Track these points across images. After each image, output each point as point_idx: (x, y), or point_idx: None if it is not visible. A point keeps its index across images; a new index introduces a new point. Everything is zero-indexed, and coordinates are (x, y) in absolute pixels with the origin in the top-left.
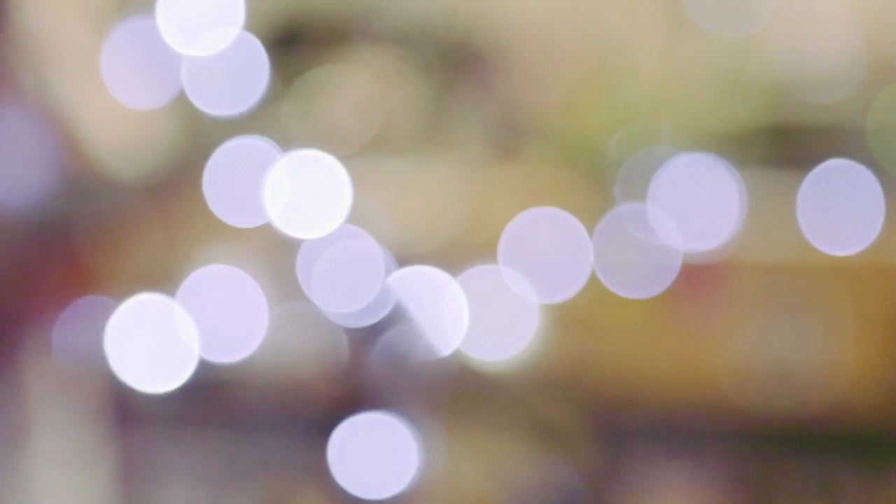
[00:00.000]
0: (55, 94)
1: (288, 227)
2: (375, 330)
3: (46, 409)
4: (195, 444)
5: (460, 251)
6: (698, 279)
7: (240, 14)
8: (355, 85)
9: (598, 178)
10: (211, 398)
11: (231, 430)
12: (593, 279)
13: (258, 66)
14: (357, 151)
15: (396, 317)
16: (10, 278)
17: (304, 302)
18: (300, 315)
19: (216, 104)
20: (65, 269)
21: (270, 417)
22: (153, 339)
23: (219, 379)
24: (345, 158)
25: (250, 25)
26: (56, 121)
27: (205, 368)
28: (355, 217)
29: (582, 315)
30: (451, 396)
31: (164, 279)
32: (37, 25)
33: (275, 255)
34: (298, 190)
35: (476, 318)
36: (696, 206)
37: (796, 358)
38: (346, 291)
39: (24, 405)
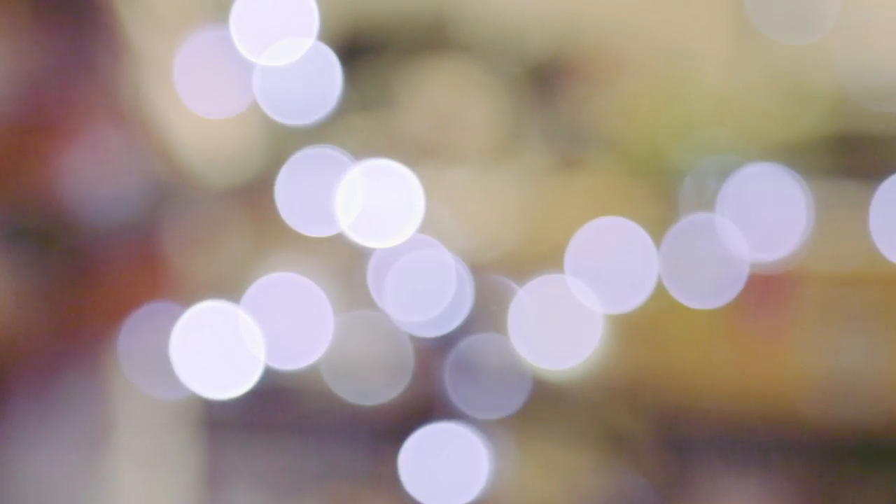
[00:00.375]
0: (146, 103)
1: (360, 237)
2: (447, 340)
3: (128, 411)
4: (260, 450)
5: (526, 260)
6: (765, 289)
7: (314, 24)
8: (428, 94)
9: (662, 188)
10: (276, 405)
11: (296, 437)
12: (659, 289)
13: (331, 76)
14: (425, 160)
15: (468, 326)
16: (93, 281)
17: (375, 311)
18: (370, 324)
19: (290, 114)
20: (145, 274)
21: (335, 424)
22: (220, 346)
23: (284, 385)
24: (413, 167)
25: (324, 35)
26: (145, 128)
27: (270, 375)
28: (425, 226)
29: (648, 325)
30: (520, 406)
31: (233, 286)
32: (134, 37)
33: (346, 264)
34: (370, 199)
35: (542, 327)
36: (762, 216)
37: (864, 369)
38: (417, 301)
39: (106, 407)
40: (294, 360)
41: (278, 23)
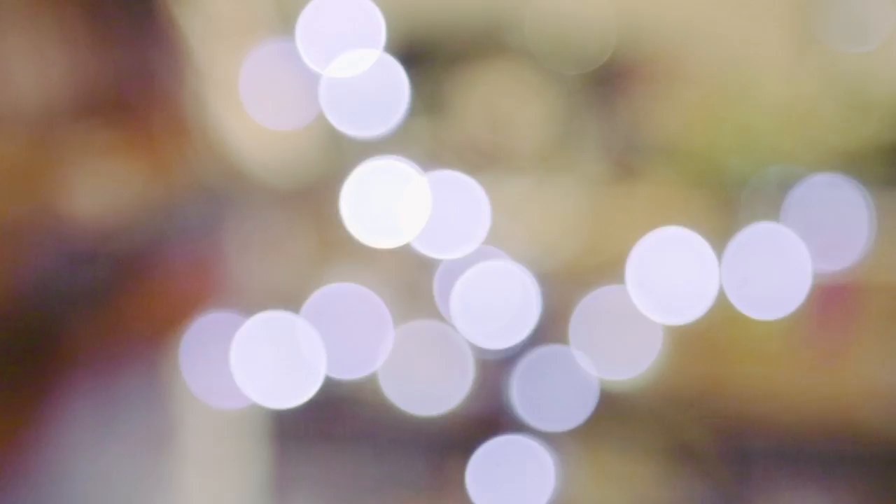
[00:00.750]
0: (206, 111)
1: (424, 248)
2: (511, 351)
3: (191, 417)
4: (321, 460)
5: (586, 270)
6: (828, 300)
7: (380, 35)
8: (485, 100)
9: (723, 198)
10: (338, 415)
11: (356, 447)
12: (722, 300)
13: (397, 87)
14: (484, 168)
15: (534, 338)
16: (152, 286)
17: (439, 321)
18: (433, 334)
19: (355, 125)
20: (204, 280)
21: (397, 435)
22: (280, 356)
23: (346, 396)
24: (472, 175)
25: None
26: (204, 135)
27: (331, 385)
28: (488, 236)
29: (711, 336)
30: (586, 417)
31: (294, 295)
32: (194, 45)
33: (410, 274)
34: (435, 209)
35: (604, 338)
36: (825, 226)
37: None
38: (482, 312)
39: (168, 412)
40: (354, 371)
41: (344, 33)
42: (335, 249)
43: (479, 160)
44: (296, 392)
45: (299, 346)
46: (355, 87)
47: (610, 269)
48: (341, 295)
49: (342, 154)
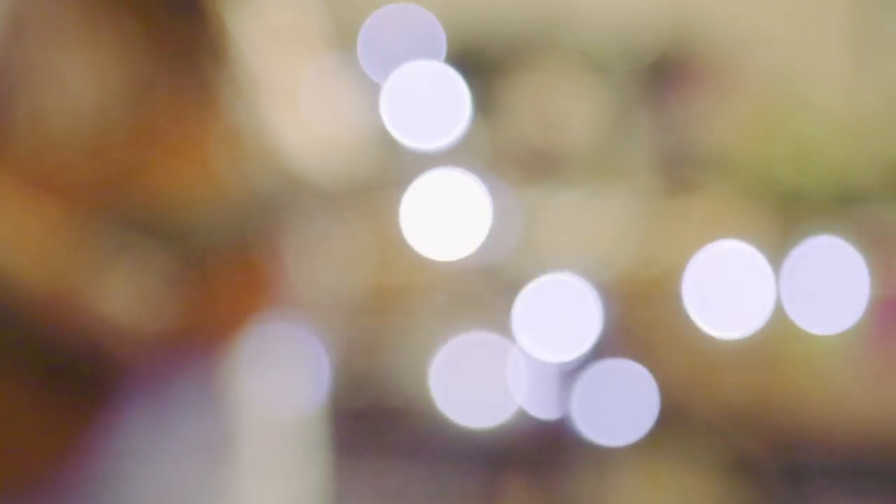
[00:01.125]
0: (261, 119)
1: (484, 260)
2: (572, 364)
3: (248, 424)
4: (373, 471)
5: (641, 283)
6: (888, 314)
7: (440, 45)
8: (541, 106)
9: (778, 210)
10: (390, 426)
11: (410, 459)
12: (780, 314)
13: (456, 97)
14: (539, 176)
15: (595, 350)
16: (209, 291)
17: (498, 334)
18: (490, 346)
19: (413, 134)
20: (260, 285)
21: (451, 447)
22: (336, 364)
23: (398, 407)
24: (528, 186)
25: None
26: (260, 141)
27: (384, 396)
28: (544, 247)
29: (767, 350)
30: (646, 431)
31: (349, 304)
32: (249, 58)
33: (466, 285)
34: (492, 222)
35: (661, 351)
36: (883, 240)
37: None
38: (543, 324)
39: (225, 418)
40: (410, 382)
41: (404, 44)
42: (391, 258)
43: (533, 168)
44: (350, 401)
45: (356, 356)
46: (414, 96)
47: (665, 281)
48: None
49: (399, 162)
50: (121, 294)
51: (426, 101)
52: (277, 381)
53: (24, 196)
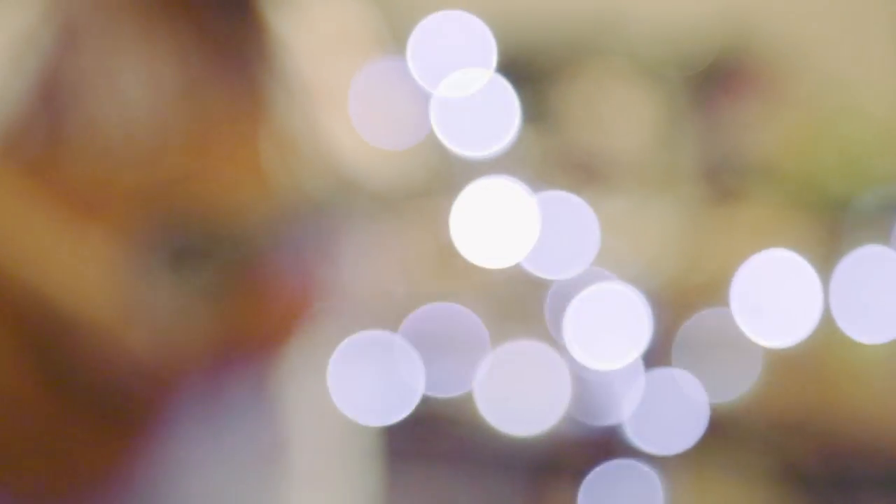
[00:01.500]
0: (315, 126)
1: (532, 266)
2: (620, 373)
3: (299, 432)
4: (419, 478)
5: (688, 292)
6: None
7: (491, 54)
8: (590, 113)
9: (826, 219)
10: (437, 434)
11: (457, 467)
12: (828, 323)
13: (507, 105)
14: (588, 184)
15: (641, 359)
16: (258, 299)
17: (546, 341)
18: (537, 354)
19: (464, 142)
20: (308, 294)
21: (496, 455)
22: (378, 373)
23: (444, 415)
24: (577, 193)
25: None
26: (309, 149)
27: (430, 403)
28: (593, 255)
29: (816, 359)
30: (694, 441)
31: (398, 310)
32: (301, 62)
33: (516, 292)
34: (543, 228)
35: (707, 361)
36: None
37: None
38: (592, 332)
39: (276, 426)
40: (452, 389)
41: (455, 52)
42: (441, 264)
43: (583, 175)
44: (394, 409)
45: (398, 364)
46: (465, 104)
47: (713, 290)
48: (443, 313)
49: (450, 169)
50: (170, 301)
51: (476, 108)
52: (331, 388)
53: (79, 205)
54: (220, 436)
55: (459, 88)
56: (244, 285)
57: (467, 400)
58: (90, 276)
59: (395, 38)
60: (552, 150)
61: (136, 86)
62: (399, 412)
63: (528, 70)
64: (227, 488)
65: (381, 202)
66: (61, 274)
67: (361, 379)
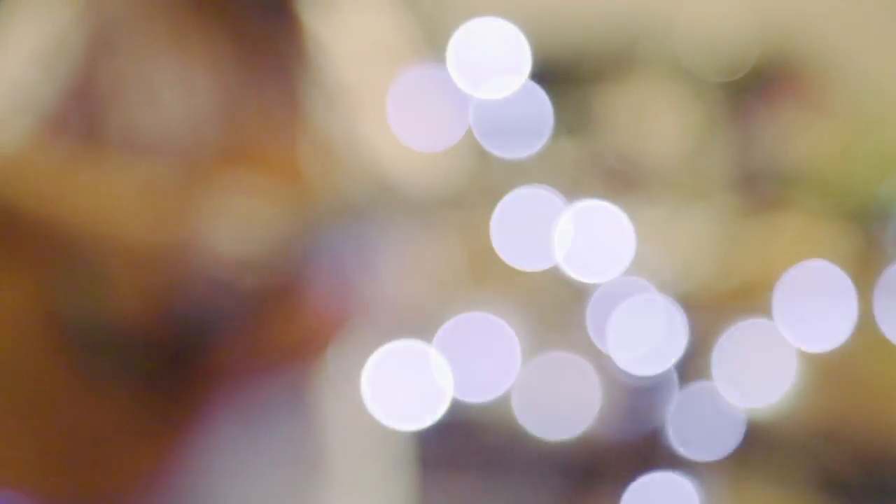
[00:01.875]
0: (354, 130)
1: (570, 272)
2: (656, 380)
3: (335, 436)
4: (458, 486)
5: (725, 300)
6: None
7: (526, 60)
8: (628, 120)
9: (864, 228)
10: (473, 441)
11: (494, 473)
12: (866, 331)
13: (542, 111)
14: (626, 192)
15: (678, 366)
16: (296, 307)
17: (582, 348)
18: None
19: (501, 147)
20: (347, 299)
21: (527, 461)
22: (409, 378)
23: (480, 421)
24: (615, 201)
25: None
26: (348, 156)
27: (462, 410)
28: (630, 262)
29: (855, 368)
30: (732, 448)
31: (434, 317)
32: (340, 68)
33: (552, 299)
34: (580, 236)
35: (746, 367)
36: None
37: None
38: (629, 340)
39: (314, 433)
40: (488, 395)
41: (492, 58)
42: (479, 271)
43: (620, 183)
44: (427, 415)
45: (433, 371)
46: (502, 109)
47: (750, 298)
48: (478, 320)
49: (487, 175)
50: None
51: (513, 115)
52: (366, 395)
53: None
54: (257, 440)
55: (496, 94)
56: (282, 293)
57: (503, 406)
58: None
59: (432, 44)
60: (590, 158)
61: (172, 91)
62: (432, 418)
63: (567, 77)
64: (263, 493)
65: (419, 208)
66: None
67: (396, 385)
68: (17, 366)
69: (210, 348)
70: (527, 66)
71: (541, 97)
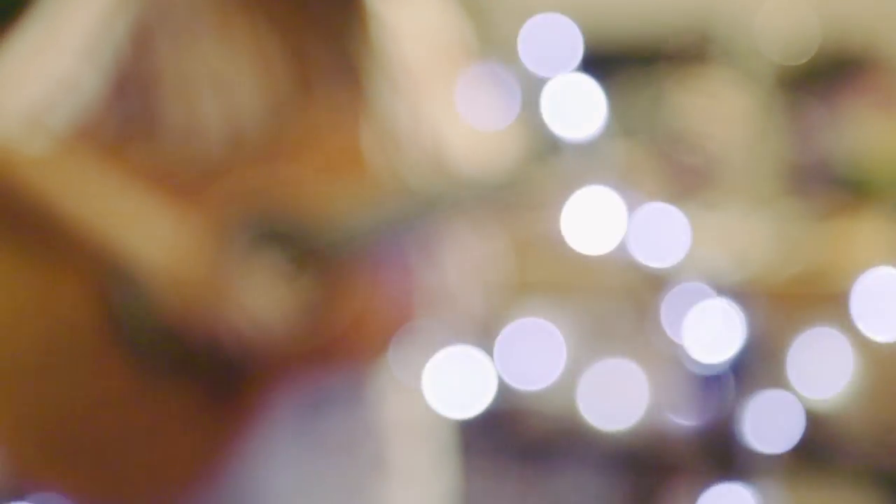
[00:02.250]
0: (418, 117)
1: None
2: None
3: (393, 428)
4: (506, 474)
5: (794, 302)
6: None
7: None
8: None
9: None
10: (519, 429)
11: (539, 463)
12: None
13: (597, 105)
14: (688, 193)
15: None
16: (352, 297)
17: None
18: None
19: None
20: (404, 292)
21: (601, 453)
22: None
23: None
24: (676, 203)
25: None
26: (408, 144)
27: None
28: (697, 263)
29: None
30: (793, 447)
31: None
32: (404, 55)
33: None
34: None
35: (817, 369)
36: None
37: None
38: (691, 338)
39: (368, 422)
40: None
41: (548, 52)
42: (537, 262)
43: (681, 183)
44: (476, 403)
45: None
46: (559, 107)
47: (816, 299)
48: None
49: (545, 169)
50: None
51: (571, 112)
52: (423, 388)
53: (171, 204)
54: (315, 435)
55: (555, 91)
56: (345, 285)
57: (562, 395)
58: (181, 245)
59: (493, 40)
60: (654, 155)
61: (226, 85)
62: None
63: (630, 72)
64: (321, 487)
65: (484, 198)
66: (146, 239)
67: (450, 376)
68: (74, 365)
69: (267, 345)
70: (580, 63)
71: (600, 94)
